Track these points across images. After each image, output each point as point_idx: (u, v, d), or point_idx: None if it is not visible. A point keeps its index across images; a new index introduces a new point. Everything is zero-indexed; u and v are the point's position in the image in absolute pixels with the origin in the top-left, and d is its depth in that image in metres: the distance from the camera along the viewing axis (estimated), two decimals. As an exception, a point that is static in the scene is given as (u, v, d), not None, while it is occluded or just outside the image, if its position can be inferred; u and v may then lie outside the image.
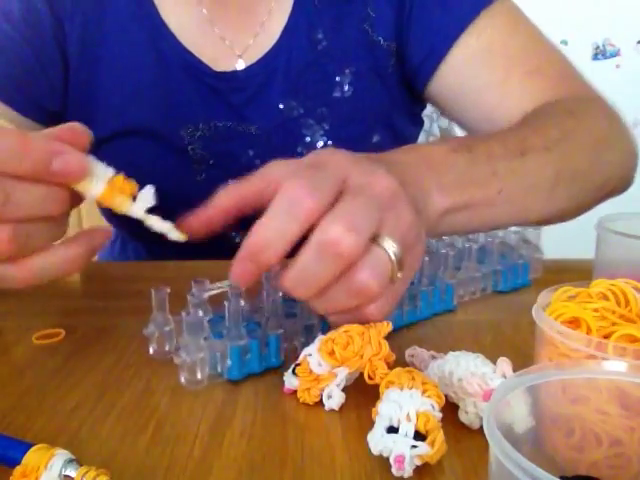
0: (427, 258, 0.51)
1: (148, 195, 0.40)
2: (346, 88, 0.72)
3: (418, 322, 0.52)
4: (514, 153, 0.56)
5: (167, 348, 0.45)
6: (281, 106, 0.72)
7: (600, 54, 2.63)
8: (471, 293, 0.57)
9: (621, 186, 0.68)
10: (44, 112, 0.72)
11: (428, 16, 0.71)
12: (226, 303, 0.42)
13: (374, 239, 0.38)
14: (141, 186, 0.41)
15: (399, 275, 0.39)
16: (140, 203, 0.40)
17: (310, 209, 0.37)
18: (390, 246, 0.38)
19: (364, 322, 0.40)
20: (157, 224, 0.41)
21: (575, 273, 0.56)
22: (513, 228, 0.60)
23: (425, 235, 0.44)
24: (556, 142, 0.58)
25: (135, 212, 0.40)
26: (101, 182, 0.39)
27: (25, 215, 0.38)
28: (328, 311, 0.41)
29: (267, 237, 0.38)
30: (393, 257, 0.38)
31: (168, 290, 0.45)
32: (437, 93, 0.74)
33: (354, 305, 0.40)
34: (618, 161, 0.67)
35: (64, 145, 0.38)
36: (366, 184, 0.40)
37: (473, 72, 0.70)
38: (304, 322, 0.45)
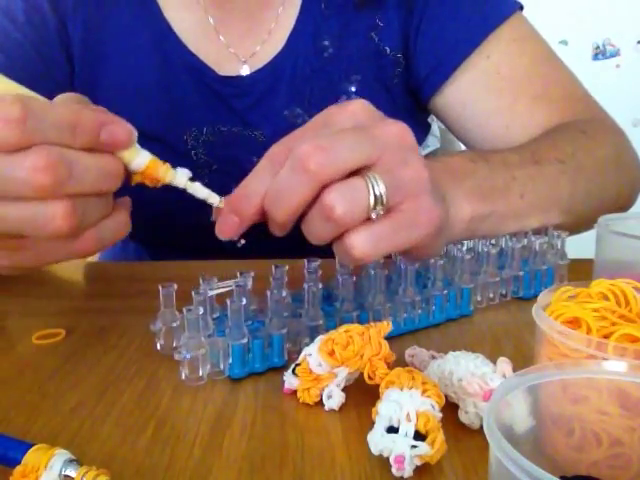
0: (442, 262, 0.50)
1: (184, 170, 0.41)
2: (352, 97, 0.72)
3: (431, 326, 0.51)
4: (529, 162, 0.56)
5: (174, 344, 0.45)
6: (286, 113, 0.72)
7: (600, 54, 2.63)
8: (489, 299, 0.55)
9: (629, 203, 0.68)
10: None
11: (438, 31, 0.70)
12: (228, 301, 0.42)
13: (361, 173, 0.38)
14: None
15: (378, 211, 0.38)
16: (181, 171, 0.41)
17: (276, 153, 0.39)
18: (373, 180, 0.38)
19: (349, 258, 0.39)
20: (200, 190, 0.42)
21: (575, 273, 0.56)
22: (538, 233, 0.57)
23: (440, 206, 0.42)
24: (569, 156, 0.59)
25: (179, 179, 0.41)
26: (146, 153, 0.40)
27: (85, 190, 0.38)
28: (312, 240, 0.41)
29: (244, 190, 0.40)
30: (371, 191, 0.37)
31: (175, 286, 0.45)
32: (440, 109, 0.74)
33: (332, 232, 0.39)
34: (628, 178, 0.67)
35: (110, 114, 0.39)
36: (372, 126, 0.40)
37: (478, 94, 0.70)
38: (309, 323, 0.45)
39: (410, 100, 0.75)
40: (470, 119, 0.71)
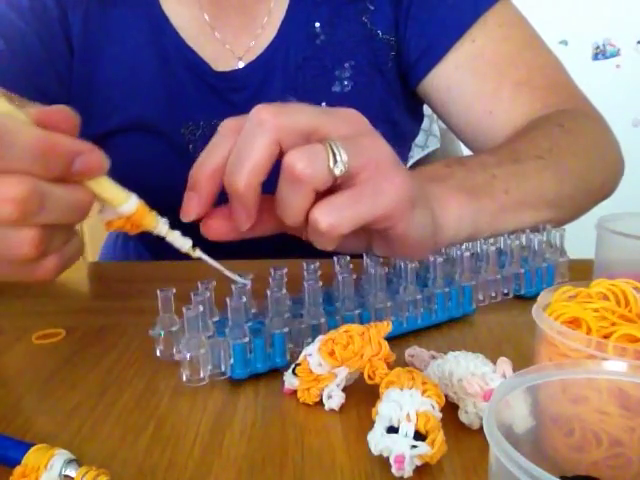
0: (441, 259, 0.50)
1: (164, 219, 0.42)
2: (345, 83, 0.72)
3: (433, 326, 0.50)
4: (508, 161, 0.56)
5: (174, 349, 0.45)
6: (278, 102, 0.72)
7: (600, 54, 2.63)
8: (491, 297, 0.54)
9: (612, 190, 0.68)
10: (51, 103, 0.72)
11: (427, 15, 0.70)
12: (228, 300, 0.42)
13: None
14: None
15: (340, 168, 0.38)
16: (163, 220, 0.41)
17: (229, 126, 0.39)
18: (333, 145, 0.38)
19: (318, 234, 0.39)
20: (178, 238, 0.42)
21: (575, 273, 0.56)
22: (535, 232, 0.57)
23: (407, 176, 0.41)
24: (547, 150, 0.59)
25: (162, 227, 0.41)
26: (135, 197, 0.40)
27: (54, 221, 0.37)
28: (287, 219, 0.41)
29: (200, 161, 0.41)
30: (329, 151, 0.38)
31: (174, 290, 0.45)
32: (427, 92, 0.74)
33: (300, 199, 0.39)
34: (609, 166, 0.67)
35: (84, 143, 0.38)
36: (326, 109, 0.41)
37: (463, 78, 0.70)
38: (310, 322, 0.45)
39: (402, 86, 0.75)
40: (455, 103, 0.71)
